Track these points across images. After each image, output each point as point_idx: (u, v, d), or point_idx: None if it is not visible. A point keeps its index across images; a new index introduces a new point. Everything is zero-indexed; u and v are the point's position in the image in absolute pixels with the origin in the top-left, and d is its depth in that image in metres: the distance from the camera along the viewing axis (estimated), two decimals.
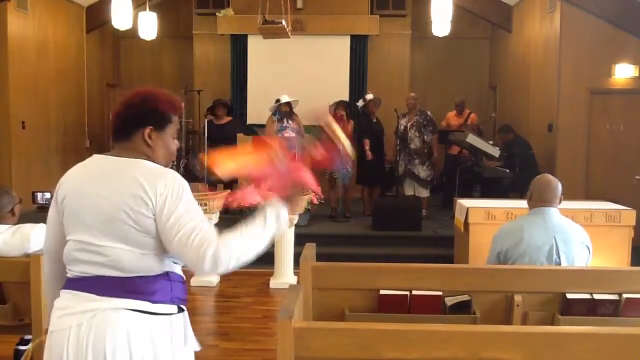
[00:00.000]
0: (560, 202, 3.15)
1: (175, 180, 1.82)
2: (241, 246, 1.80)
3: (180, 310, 1.90)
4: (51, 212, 1.94)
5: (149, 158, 1.89)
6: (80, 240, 1.82)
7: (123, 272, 1.79)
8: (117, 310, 1.77)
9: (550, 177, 3.20)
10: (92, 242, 1.80)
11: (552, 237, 3.01)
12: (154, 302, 1.81)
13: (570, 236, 3.05)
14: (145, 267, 1.81)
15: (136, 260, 1.80)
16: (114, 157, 1.87)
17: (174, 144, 1.97)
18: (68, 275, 1.86)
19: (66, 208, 1.86)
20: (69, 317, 1.79)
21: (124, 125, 1.89)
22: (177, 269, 1.92)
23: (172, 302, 1.86)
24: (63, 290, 1.86)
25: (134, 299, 1.79)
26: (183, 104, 1.99)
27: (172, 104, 1.94)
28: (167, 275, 1.85)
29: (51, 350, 1.80)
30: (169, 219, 1.76)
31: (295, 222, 5.81)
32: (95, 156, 1.93)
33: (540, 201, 3.12)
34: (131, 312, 1.77)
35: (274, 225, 1.91)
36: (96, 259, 1.79)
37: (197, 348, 1.98)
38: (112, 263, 1.78)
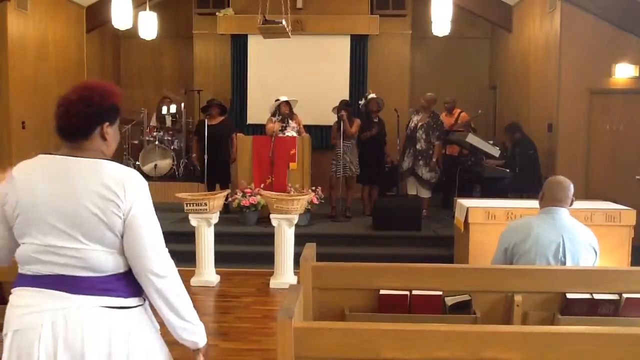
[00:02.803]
0: (571, 203, 3.18)
1: (140, 183, 1.86)
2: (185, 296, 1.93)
3: (144, 300, 1.93)
4: None
5: (104, 152, 1.90)
6: (46, 244, 1.78)
7: (95, 272, 1.80)
8: (92, 308, 1.77)
9: (563, 178, 3.23)
10: (62, 245, 1.78)
11: (560, 236, 3.04)
12: (125, 297, 1.84)
13: (578, 237, 3.08)
14: (116, 266, 1.83)
15: (108, 260, 1.81)
16: (72, 158, 1.83)
17: (119, 135, 2.00)
18: (24, 272, 1.82)
19: (21, 213, 1.80)
20: (37, 315, 1.76)
21: (86, 124, 1.86)
22: None
23: (139, 294, 1.90)
24: (20, 288, 1.82)
25: (107, 295, 1.80)
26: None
27: (118, 94, 1.95)
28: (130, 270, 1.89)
29: (16, 350, 1.76)
30: (138, 220, 1.82)
31: (295, 222, 5.81)
32: (45, 157, 1.87)
33: (552, 201, 3.14)
34: (107, 309, 1.79)
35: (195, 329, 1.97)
36: (64, 261, 1.78)
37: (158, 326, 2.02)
38: (84, 264, 1.78)
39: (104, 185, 1.78)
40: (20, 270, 1.85)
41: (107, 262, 1.81)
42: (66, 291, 1.77)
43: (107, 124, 1.89)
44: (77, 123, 1.85)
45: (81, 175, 1.80)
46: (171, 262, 1.90)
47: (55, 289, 1.78)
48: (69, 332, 1.74)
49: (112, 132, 1.92)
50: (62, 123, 1.86)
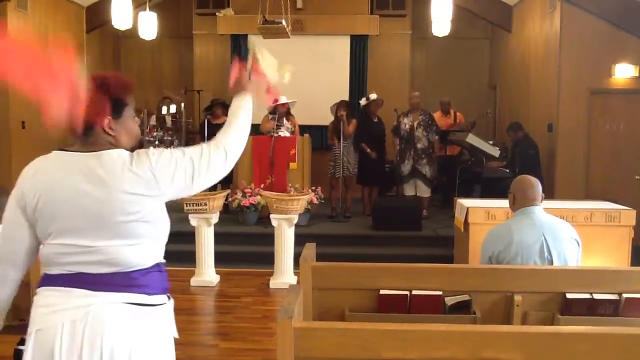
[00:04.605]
0: (542, 200, 3.17)
1: (149, 152, 1.84)
2: (234, 130, 2.01)
3: (169, 298, 1.92)
4: (13, 216, 1.85)
5: (115, 146, 1.84)
6: (70, 244, 1.76)
7: (120, 268, 1.77)
8: (114, 305, 1.75)
9: (529, 177, 3.24)
10: (86, 244, 1.75)
11: (542, 235, 3.03)
12: (149, 294, 1.82)
13: (559, 232, 3.07)
14: (142, 260, 1.81)
15: (134, 253, 1.79)
16: (86, 154, 1.79)
17: (136, 125, 1.92)
18: (49, 272, 1.81)
19: (43, 212, 1.78)
20: (59, 314, 1.74)
21: (84, 122, 1.81)
22: (162, 258, 1.93)
23: (163, 292, 1.88)
24: (44, 288, 1.80)
25: (131, 292, 1.78)
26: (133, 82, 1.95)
27: (124, 85, 1.87)
28: (158, 266, 1.87)
29: (39, 349, 1.75)
30: (175, 175, 1.81)
31: (295, 222, 5.81)
32: (62, 153, 1.84)
33: (525, 201, 3.13)
34: (129, 305, 1.77)
35: (248, 106, 2.09)
36: (90, 259, 1.76)
37: (176, 335, 1.97)
38: (110, 260, 1.76)
39: (125, 176, 1.75)
40: (44, 270, 1.83)
41: (134, 256, 1.78)
42: (90, 289, 1.75)
43: (107, 119, 1.82)
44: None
45: (101, 172, 1.75)
46: (216, 148, 1.91)
47: (79, 287, 1.76)
48: (90, 329, 1.72)
49: (118, 127, 1.84)
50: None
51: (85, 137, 1.82)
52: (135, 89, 1.92)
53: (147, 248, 1.82)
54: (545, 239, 3.02)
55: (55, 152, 1.86)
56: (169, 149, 1.87)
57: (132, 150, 1.89)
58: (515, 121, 7.80)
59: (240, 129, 2.01)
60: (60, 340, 1.72)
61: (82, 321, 1.72)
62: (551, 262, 3.00)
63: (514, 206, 3.19)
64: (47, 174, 1.81)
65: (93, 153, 1.79)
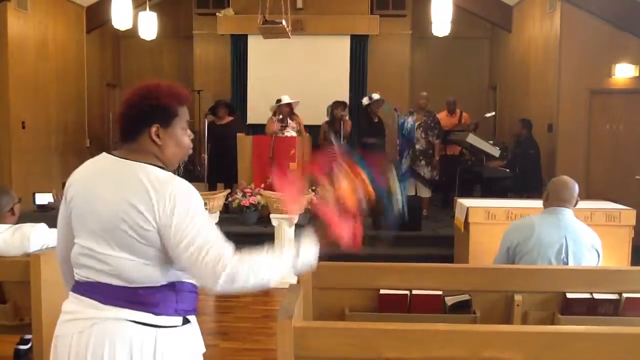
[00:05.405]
0: (576, 203, 3.17)
1: (182, 190, 1.70)
2: (262, 265, 1.77)
3: (186, 321, 1.81)
4: (61, 211, 1.88)
5: (159, 157, 1.79)
6: (85, 246, 1.75)
7: (126, 282, 1.72)
8: (119, 321, 1.70)
9: (567, 178, 3.23)
10: (96, 249, 1.73)
11: (563, 237, 3.04)
12: (157, 314, 1.72)
13: (582, 238, 3.07)
14: (149, 278, 1.72)
15: (139, 271, 1.71)
16: (121, 159, 1.76)
17: (187, 137, 1.85)
18: (75, 277, 1.81)
19: (74, 209, 1.79)
20: (73, 323, 1.74)
21: (129, 127, 1.79)
22: (186, 278, 1.81)
23: (176, 313, 1.77)
24: (70, 294, 1.81)
25: (137, 310, 1.71)
26: (189, 94, 1.92)
27: (176, 95, 1.84)
28: (172, 285, 1.76)
29: (56, 355, 1.77)
30: (176, 232, 1.66)
31: (295, 222, 5.81)
32: (104, 155, 1.82)
33: (556, 201, 3.14)
34: (134, 324, 1.70)
35: (303, 257, 1.91)
36: (100, 267, 1.73)
37: (203, 349, 1.93)
38: (115, 272, 1.71)
39: (137, 192, 1.67)
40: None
41: (133, 272, 1.70)
42: (99, 301, 1.72)
43: (155, 126, 1.76)
44: (123, 126, 1.81)
45: (121, 178, 1.72)
46: (223, 263, 1.67)
47: (90, 298, 1.74)
48: (93, 343, 1.69)
49: (166, 136, 1.78)
50: (118, 127, 1.83)
51: (131, 142, 1.79)
52: None
53: (153, 269, 1.73)
54: (566, 241, 3.04)
55: (102, 154, 1.84)
56: (199, 217, 1.71)
57: (179, 164, 1.87)
58: (527, 119, 7.75)
59: (260, 274, 1.76)
60: (69, 349, 1.72)
61: (87, 334, 1.71)
62: (566, 265, 3.01)
63: (546, 203, 3.21)
64: (82, 174, 1.83)
65: (132, 162, 1.74)
